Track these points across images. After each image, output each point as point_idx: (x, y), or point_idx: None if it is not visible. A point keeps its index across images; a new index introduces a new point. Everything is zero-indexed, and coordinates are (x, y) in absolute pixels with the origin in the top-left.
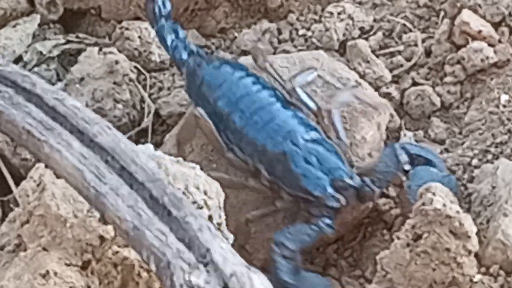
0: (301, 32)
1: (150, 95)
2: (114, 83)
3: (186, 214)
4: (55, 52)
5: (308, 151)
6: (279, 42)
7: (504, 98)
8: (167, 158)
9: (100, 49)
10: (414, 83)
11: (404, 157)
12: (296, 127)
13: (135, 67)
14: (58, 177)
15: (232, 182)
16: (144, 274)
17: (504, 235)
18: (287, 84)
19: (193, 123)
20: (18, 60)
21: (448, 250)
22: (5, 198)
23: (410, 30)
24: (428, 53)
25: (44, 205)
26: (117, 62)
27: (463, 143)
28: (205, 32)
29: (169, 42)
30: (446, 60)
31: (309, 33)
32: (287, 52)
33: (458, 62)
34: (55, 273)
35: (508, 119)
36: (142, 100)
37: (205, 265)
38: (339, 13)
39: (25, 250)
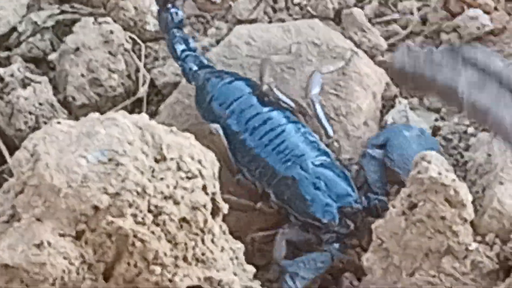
0: (296, 0)
1: (145, 65)
2: (109, 53)
3: None
4: (50, 23)
5: (317, 176)
6: (275, 11)
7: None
8: (161, 127)
9: (95, 19)
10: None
11: (377, 151)
12: (306, 151)
13: (130, 37)
14: None
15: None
16: (138, 244)
17: (500, 203)
18: (306, 100)
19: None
20: (12, 30)
21: (443, 218)
22: None
23: None
24: (423, 21)
25: (38, 175)
26: (112, 32)
27: (459, 112)
28: (201, 1)
29: (179, 52)
30: (442, 28)
31: (304, 2)
32: (283, 21)
33: (454, 30)
34: (49, 244)
35: None
36: (137, 70)
37: None
38: None
39: (19, 220)
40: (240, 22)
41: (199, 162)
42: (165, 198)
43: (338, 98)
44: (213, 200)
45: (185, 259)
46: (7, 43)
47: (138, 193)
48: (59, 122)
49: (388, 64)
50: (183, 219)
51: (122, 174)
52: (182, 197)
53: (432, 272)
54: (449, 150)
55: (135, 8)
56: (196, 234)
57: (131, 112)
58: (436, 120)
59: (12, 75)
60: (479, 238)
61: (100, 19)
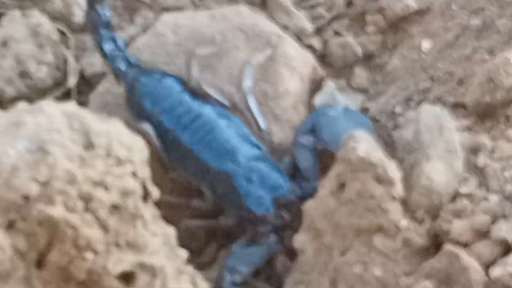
0: None
1: (74, 56)
2: (38, 45)
3: None
4: None
5: (250, 169)
6: None
7: (425, 45)
8: (89, 115)
9: (23, 12)
10: (336, 34)
11: (306, 138)
12: (238, 145)
13: (58, 28)
14: None
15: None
16: (70, 231)
17: (429, 179)
18: (238, 93)
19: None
20: None
21: (373, 197)
22: None
23: None
24: (348, 3)
25: None
26: (39, 24)
27: (386, 92)
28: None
29: (107, 52)
30: (367, 10)
31: None
32: (209, 8)
33: (379, 11)
34: None
35: (430, 66)
36: (66, 61)
37: None
38: None
39: None
40: (166, 9)
41: (128, 148)
42: (95, 184)
43: (265, 82)
44: (143, 185)
45: (117, 245)
46: None
47: (68, 181)
48: None
49: None
50: (114, 205)
51: (51, 162)
52: (112, 183)
53: (364, 251)
54: (377, 129)
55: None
56: (127, 220)
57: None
58: (364, 101)
59: None
60: (409, 215)
61: (27, 12)
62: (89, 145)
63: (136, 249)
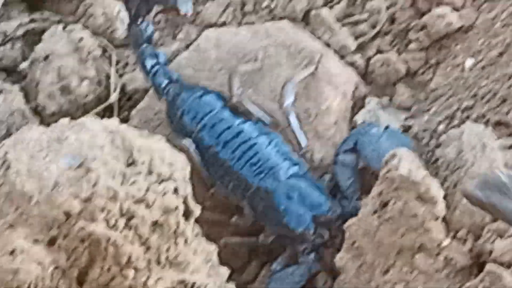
0: (265, 3)
1: (115, 71)
2: (79, 60)
3: None
4: (20, 31)
5: (290, 187)
6: (243, 14)
7: (468, 63)
8: (131, 131)
9: (65, 27)
10: (379, 51)
11: (347, 157)
12: (278, 162)
13: (100, 43)
14: None
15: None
16: (111, 248)
17: None
18: (279, 110)
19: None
20: None
21: (415, 215)
22: None
23: None
24: (392, 20)
25: (9, 182)
26: (81, 39)
27: (429, 109)
28: (171, 15)
29: (149, 67)
30: (410, 26)
31: (273, 4)
32: (251, 24)
33: (422, 28)
34: (22, 250)
35: (473, 84)
36: (108, 77)
37: None
38: None
39: None
40: (209, 26)
41: (170, 165)
42: (137, 201)
43: (307, 99)
44: (185, 202)
45: (158, 262)
46: None
47: (109, 197)
48: (29, 129)
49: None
50: (156, 223)
51: (93, 179)
52: (154, 200)
53: (406, 270)
54: (420, 148)
55: (104, 14)
56: (169, 237)
57: (103, 118)
58: (406, 118)
59: None
60: (451, 234)
61: (70, 27)
62: (131, 162)
63: (177, 267)
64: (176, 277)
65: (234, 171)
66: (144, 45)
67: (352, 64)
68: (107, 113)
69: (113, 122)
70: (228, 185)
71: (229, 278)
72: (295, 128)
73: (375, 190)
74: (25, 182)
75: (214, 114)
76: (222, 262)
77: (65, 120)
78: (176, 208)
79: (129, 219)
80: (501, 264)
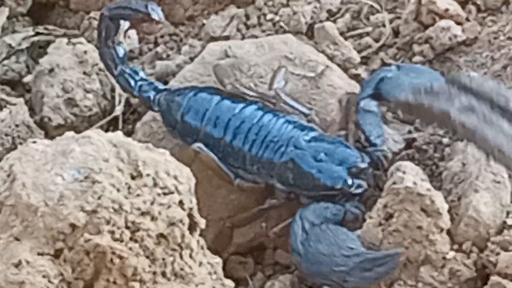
0: (269, 16)
1: None
2: (84, 73)
3: None
4: (25, 45)
5: (315, 149)
6: (247, 27)
7: (472, 76)
8: (136, 144)
9: (69, 40)
10: (383, 64)
11: (368, 103)
12: (293, 132)
13: None
14: None
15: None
16: (117, 261)
17: (476, 211)
18: (270, 93)
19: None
20: None
21: (420, 228)
22: None
23: (378, 11)
24: (396, 33)
25: (15, 194)
26: (86, 52)
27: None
28: (174, 20)
29: (133, 84)
30: (414, 39)
31: (277, 18)
32: (256, 37)
33: (426, 41)
34: (28, 262)
35: None
36: (112, 89)
37: None
38: None
39: None
40: (213, 39)
41: (175, 177)
42: (142, 214)
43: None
44: (190, 215)
45: (163, 274)
46: None
47: (115, 210)
48: (34, 142)
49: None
50: (161, 235)
51: (98, 192)
52: (159, 213)
53: (411, 282)
54: (424, 160)
55: None
56: (174, 250)
57: (107, 131)
58: (410, 132)
59: None
60: (456, 246)
61: (74, 40)
62: (136, 175)
63: (182, 279)
64: None
65: (253, 155)
66: (119, 68)
67: (356, 77)
68: (111, 126)
69: (118, 135)
70: (251, 170)
71: None
72: (292, 102)
73: (380, 202)
74: (31, 195)
75: (214, 106)
76: (227, 275)
77: (70, 133)
78: (181, 220)
79: (134, 231)
80: (506, 276)
